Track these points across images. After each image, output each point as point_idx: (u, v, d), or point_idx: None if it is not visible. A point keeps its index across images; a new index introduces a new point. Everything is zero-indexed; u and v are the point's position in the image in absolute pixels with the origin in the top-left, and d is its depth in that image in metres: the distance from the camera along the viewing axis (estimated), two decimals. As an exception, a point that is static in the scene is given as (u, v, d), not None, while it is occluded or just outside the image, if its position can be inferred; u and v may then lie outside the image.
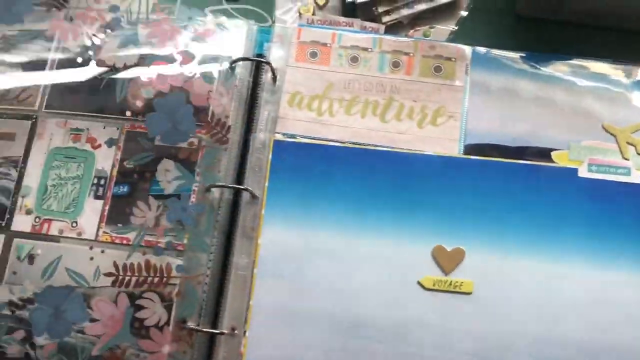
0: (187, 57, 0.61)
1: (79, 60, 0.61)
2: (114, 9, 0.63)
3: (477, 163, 0.57)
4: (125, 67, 0.60)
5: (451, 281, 0.55)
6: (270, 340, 0.53)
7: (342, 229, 0.56)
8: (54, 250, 0.56)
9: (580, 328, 0.53)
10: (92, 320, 0.54)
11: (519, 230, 0.55)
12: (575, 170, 0.57)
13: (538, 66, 0.60)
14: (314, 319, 0.54)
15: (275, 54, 0.61)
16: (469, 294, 0.54)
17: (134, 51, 0.61)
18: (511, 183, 0.57)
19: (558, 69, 0.60)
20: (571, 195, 0.56)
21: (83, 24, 0.62)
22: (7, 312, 0.55)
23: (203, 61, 0.61)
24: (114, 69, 0.60)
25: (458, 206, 0.56)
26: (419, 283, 0.55)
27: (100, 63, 0.61)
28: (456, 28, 0.65)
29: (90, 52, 0.61)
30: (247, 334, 0.54)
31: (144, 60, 0.61)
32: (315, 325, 0.54)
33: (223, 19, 0.63)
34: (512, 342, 0.53)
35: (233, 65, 0.60)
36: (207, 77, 0.60)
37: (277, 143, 0.58)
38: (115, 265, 0.55)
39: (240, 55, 0.61)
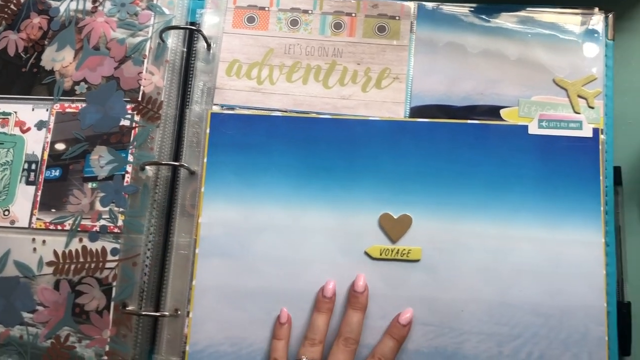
0: (119, 44, 0.57)
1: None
2: (54, 11, 0.59)
3: (423, 126, 0.54)
4: (62, 68, 0.58)
5: (399, 249, 0.52)
6: (215, 321, 0.52)
7: (285, 202, 0.53)
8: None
9: (534, 291, 0.51)
10: (38, 308, 0.53)
11: (468, 192, 0.53)
12: (525, 128, 0.54)
13: (487, 18, 0.57)
14: (258, 296, 0.52)
15: (209, 21, 0.58)
16: (417, 261, 0.52)
17: (69, 53, 0.58)
18: (459, 145, 0.54)
19: (507, 20, 0.57)
20: (521, 154, 0.53)
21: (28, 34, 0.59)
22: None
23: (134, 44, 0.57)
24: (52, 72, 0.58)
25: (404, 171, 0.54)
26: (366, 253, 0.53)
27: (40, 69, 0.58)
28: (401, -16, 0.61)
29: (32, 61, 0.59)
30: (190, 315, 0.52)
31: (78, 60, 0.58)
32: (260, 302, 0.52)
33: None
34: (463, 308, 0.51)
35: (163, 37, 0.57)
36: (136, 60, 0.57)
37: (215, 115, 0.56)
38: (56, 254, 0.53)
39: (172, 24, 0.57)
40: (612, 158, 0.54)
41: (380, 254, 0.53)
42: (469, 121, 0.54)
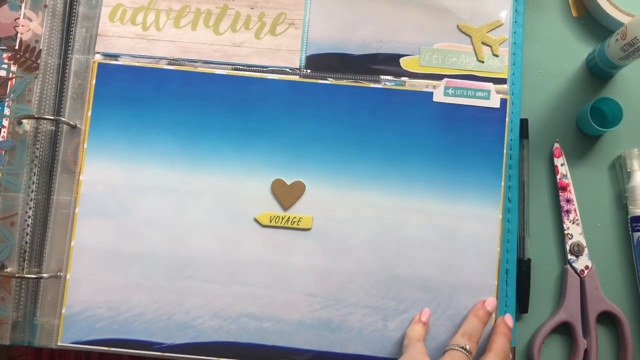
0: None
1: None
2: None
3: (323, 88, 0.51)
4: None
5: (289, 217, 0.50)
6: (92, 283, 0.49)
7: (173, 163, 0.50)
8: None
9: (425, 266, 0.49)
10: None
11: (365, 161, 0.50)
12: (430, 95, 0.51)
13: (392, -41, 0.53)
14: (139, 260, 0.50)
15: (91, -38, 0.53)
16: (307, 230, 0.50)
17: None
18: (360, 109, 0.50)
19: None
20: (424, 122, 0.50)
21: None
22: None
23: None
24: None
25: (301, 135, 0.50)
26: (255, 220, 0.50)
27: None
28: None
29: None
30: (68, 276, 0.50)
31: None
32: (140, 266, 0.50)
33: None
34: (351, 280, 0.49)
35: (41, -22, 0.53)
36: (12, 5, 0.53)
37: (102, 66, 0.52)
38: None
39: (47, -34, 0.53)
40: (518, 110, 0.51)
41: (270, 221, 0.50)
42: (372, 85, 0.51)
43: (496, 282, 0.49)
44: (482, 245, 0.49)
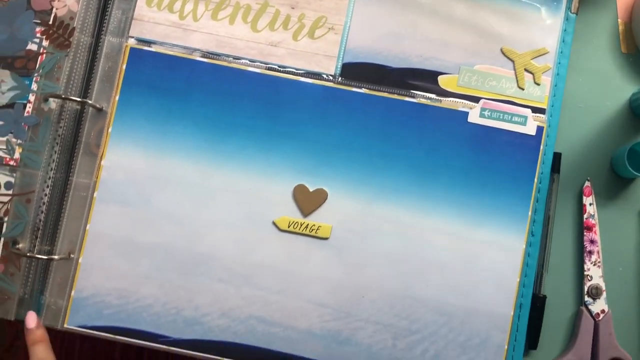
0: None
1: None
2: None
3: (357, 96, 0.50)
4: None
5: (308, 224, 0.49)
6: (104, 270, 0.49)
7: (197, 157, 0.50)
8: None
9: (441, 289, 0.48)
10: None
11: (391, 175, 0.49)
12: (466, 114, 0.49)
13: (442, -28, 0.51)
14: (153, 252, 0.49)
15: (134, -58, 0.52)
16: (325, 239, 0.49)
17: None
18: (392, 122, 0.49)
19: (464, -23, 0.51)
20: (456, 142, 0.49)
21: None
22: None
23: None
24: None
25: (329, 142, 0.49)
26: (274, 223, 0.49)
27: None
28: None
29: None
30: (80, 260, 0.49)
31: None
32: (154, 258, 0.49)
33: None
34: (364, 295, 0.49)
35: (82, -47, 0.51)
36: (51, -25, 0.52)
37: (134, 51, 0.51)
38: (-55, 180, 0.50)
39: (89, -58, 0.52)
40: (553, 143, 0.50)
41: (289, 226, 0.49)
42: (407, 98, 0.50)
43: (512, 313, 0.48)
44: (502, 275, 0.48)
